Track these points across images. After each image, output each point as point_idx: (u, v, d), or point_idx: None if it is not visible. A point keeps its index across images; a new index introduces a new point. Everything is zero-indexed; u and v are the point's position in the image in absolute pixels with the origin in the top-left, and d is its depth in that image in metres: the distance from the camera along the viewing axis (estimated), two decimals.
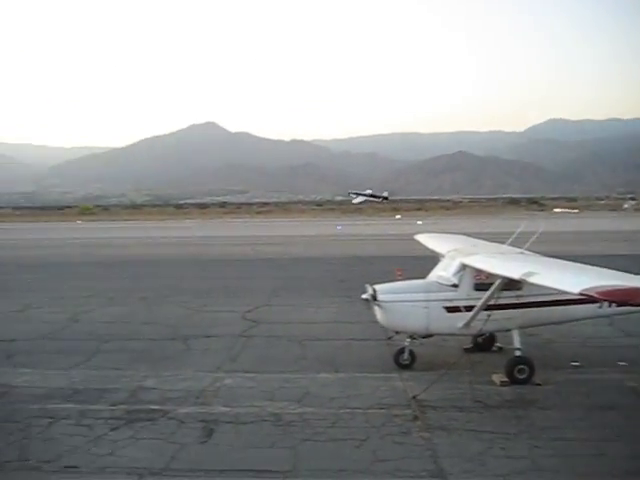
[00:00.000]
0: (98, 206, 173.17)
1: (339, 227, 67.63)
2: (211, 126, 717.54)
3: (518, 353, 12.01)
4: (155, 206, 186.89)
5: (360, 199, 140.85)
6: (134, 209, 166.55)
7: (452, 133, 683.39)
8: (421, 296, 12.37)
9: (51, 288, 25.80)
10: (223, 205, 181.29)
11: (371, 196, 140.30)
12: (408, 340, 12.80)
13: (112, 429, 9.74)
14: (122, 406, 10.79)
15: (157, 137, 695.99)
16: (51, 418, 10.25)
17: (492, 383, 11.77)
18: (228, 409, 10.57)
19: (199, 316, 19.15)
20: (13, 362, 14.00)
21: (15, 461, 8.65)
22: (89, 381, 12.37)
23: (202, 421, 10.04)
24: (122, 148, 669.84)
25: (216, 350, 14.75)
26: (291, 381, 12.14)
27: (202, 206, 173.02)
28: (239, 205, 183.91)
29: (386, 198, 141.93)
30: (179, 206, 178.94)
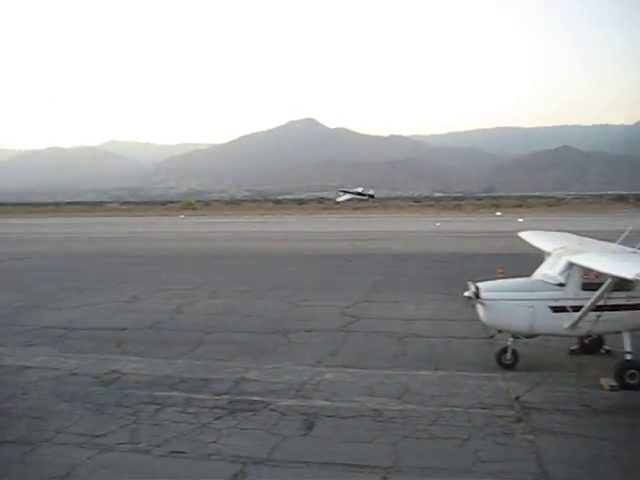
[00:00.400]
0: (199, 201, 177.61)
1: (438, 224, 66.78)
2: (310, 122, 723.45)
3: (629, 357, 11.50)
4: (254, 201, 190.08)
5: (345, 197, 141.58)
6: (234, 204, 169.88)
7: (555, 127, 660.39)
8: (526, 295, 12.06)
9: (157, 280, 26.70)
10: (321, 201, 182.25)
11: (358, 194, 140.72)
12: (511, 339, 12.49)
13: (216, 418, 10.01)
14: (225, 396, 11.07)
15: (256, 134, 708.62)
16: (159, 405, 10.64)
17: (600, 387, 11.30)
18: (328, 403, 10.65)
19: (299, 310, 19.36)
20: (123, 350, 14.62)
21: (127, 443, 9.03)
22: (194, 371, 12.75)
23: (303, 414, 10.16)
24: (223, 145, 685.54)
25: (316, 344, 14.88)
26: (391, 377, 12.10)
27: (300, 202, 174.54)
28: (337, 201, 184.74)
29: (372, 196, 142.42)
30: (278, 201, 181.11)
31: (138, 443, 9.03)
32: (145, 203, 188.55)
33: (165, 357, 13.82)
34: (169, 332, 16.57)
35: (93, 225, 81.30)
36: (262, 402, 10.72)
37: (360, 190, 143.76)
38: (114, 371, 12.73)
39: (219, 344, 15.08)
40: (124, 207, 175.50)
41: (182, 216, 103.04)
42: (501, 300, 12.12)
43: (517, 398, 10.69)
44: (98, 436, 9.30)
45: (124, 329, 16.82)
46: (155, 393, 11.25)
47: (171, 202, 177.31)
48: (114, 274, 29.36)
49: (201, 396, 11.10)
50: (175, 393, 11.28)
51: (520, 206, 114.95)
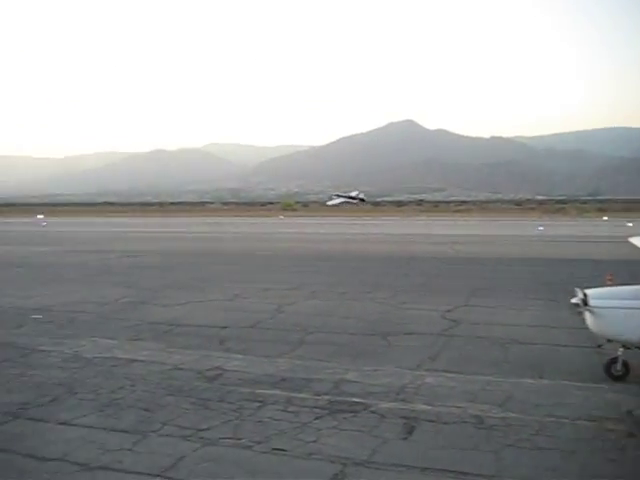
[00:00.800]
0: (298, 202, 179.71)
1: (540, 228, 64.97)
2: (409, 124, 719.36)
3: None
4: None
5: (336, 201, 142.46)
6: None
7: None
8: (638, 303, 11.53)
9: (257, 279, 27.21)
10: (420, 203, 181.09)
11: (350, 198, 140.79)
12: (621, 349, 11.93)
13: (316, 417, 10.07)
14: (325, 396, 11.12)
15: (356, 135, 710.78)
16: (260, 402, 10.81)
17: None
18: (429, 407, 10.53)
19: (398, 313, 19.26)
20: (225, 347, 14.96)
21: (230, 438, 9.22)
22: (294, 370, 12.89)
23: (403, 417, 10.08)
24: (322, 146, 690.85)
25: (416, 348, 14.75)
26: (493, 384, 11.84)
27: (399, 204, 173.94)
28: (436, 203, 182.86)
29: (363, 200, 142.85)
30: (376, 204, 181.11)
31: (240, 439, 9.20)
32: (245, 204, 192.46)
33: (266, 356, 14.03)
34: (270, 331, 16.83)
35: (195, 225, 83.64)
36: (362, 404, 10.72)
37: (353, 194, 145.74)
38: (217, 367, 13.03)
39: (319, 345, 15.19)
40: (225, 207, 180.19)
41: (282, 217, 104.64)
42: (611, 308, 11.62)
43: (629, 412, 10.21)
44: (202, 430, 9.53)
45: (226, 327, 17.21)
46: (257, 391, 11.43)
47: (271, 203, 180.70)
48: (216, 273, 30.16)
49: (302, 395, 11.20)
50: (276, 391, 11.43)
51: (629, 210, 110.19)
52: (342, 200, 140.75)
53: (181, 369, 12.99)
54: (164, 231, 70.43)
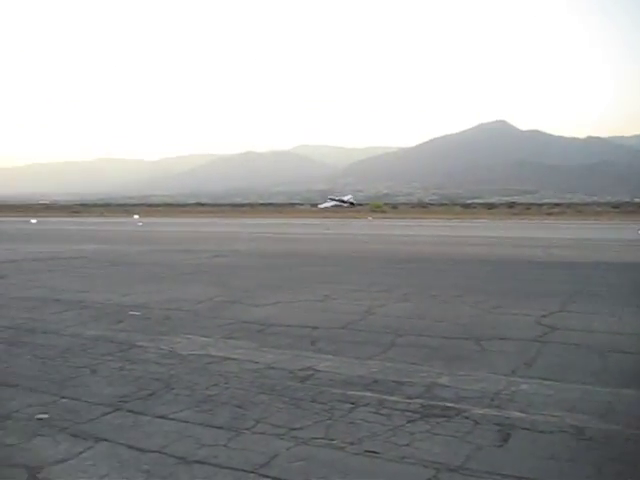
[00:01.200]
0: (387, 204, 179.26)
1: None
2: (500, 124, 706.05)
3: None
4: (442, 205, 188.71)
5: (330, 203, 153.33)
6: (421, 207, 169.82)
7: None
8: None
9: (347, 281, 27.24)
10: (512, 205, 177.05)
11: (340, 201, 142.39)
12: None
13: (409, 421, 9.97)
14: (418, 400, 11.00)
15: (446, 136, 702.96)
16: (352, 404, 10.79)
17: None
18: (524, 415, 10.24)
19: (491, 317, 18.85)
20: (317, 348, 15.01)
21: (322, 439, 9.24)
22: (386, 372, 12.80)
23: (497, 424, 9.84)
24: (411, 147, 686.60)
25: (510, 353, 14.39)
26: (591, 393, 11.39)
27: (490, 206, 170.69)
28: (528, 206, 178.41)
29: (352, 204, 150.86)
30: (466, 205, 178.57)
31: (333, 439, 9.21)
32: None
33: (357, 357, 14.00)
34: (361, 333, 16.77)
35: (285, 226, 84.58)
36: (455, 409, 10.54)
37: (345, 198, 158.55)
38: (309, 368, 13.09)
39: (410, 347, 15.04)
40: (314, 209, 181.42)
41: (370, 218, 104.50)
42: None
43: None
44: (295, 429, 9.60)
45: (317, 327, 17.27)
46: (349, 392, 11.41)
47: (359, 204, 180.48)
48: (306, 274, 30.39)
49: (394, 398, 11.11)
50: (368, 393, 11.38)
51: None
52: (334, 203, 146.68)
53: (273, 368, 13.12)
54: (255, 232, 71.55)
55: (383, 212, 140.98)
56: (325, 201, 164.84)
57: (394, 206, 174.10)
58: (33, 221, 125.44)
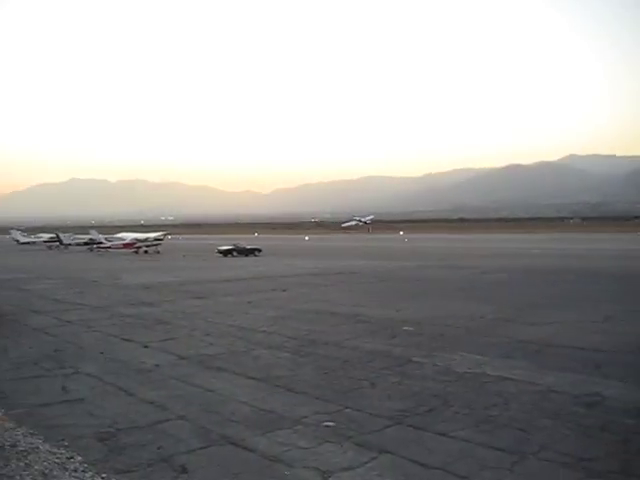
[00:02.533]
0: None
1: None
2: None
3: None
4: None
5: (351, 223, 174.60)
6: None
7: None
8: None
9: (631, 300, 25.32)
10: None
11: (360, 221, 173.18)
12: None
13: None
14: None
15: None
16: None
17: None
18: None
19: None
20: (602, 373, 13.94)
21: (617, 473, 8.43)
22: None
23: None
24: None
25: None
26: None
27: None
28: None
29: (366, 223, 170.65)
30: None
31: (630, 475, 8.43)
32: (609, 218, 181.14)
33: None
34: None
35: (552, 241, 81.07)
36: None
37: (365, 219, 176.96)
38: (595, 393, 12.20)
39: None
40: (585, 223, 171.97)
41: None
42: None
43: None
44: (585, 459, 8.94)
45: (600, 350, 16.15)
46: None
47: (637, 217, 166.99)
48: (582, 291, 28.76)
49: None
50: None
51: None
52: (355, 222, 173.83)
53: (555, 392, 12.42)
54: (520, 247, 69.42)
55: None
56: (349, 220, 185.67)
57: None
58: (306, 238, 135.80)
